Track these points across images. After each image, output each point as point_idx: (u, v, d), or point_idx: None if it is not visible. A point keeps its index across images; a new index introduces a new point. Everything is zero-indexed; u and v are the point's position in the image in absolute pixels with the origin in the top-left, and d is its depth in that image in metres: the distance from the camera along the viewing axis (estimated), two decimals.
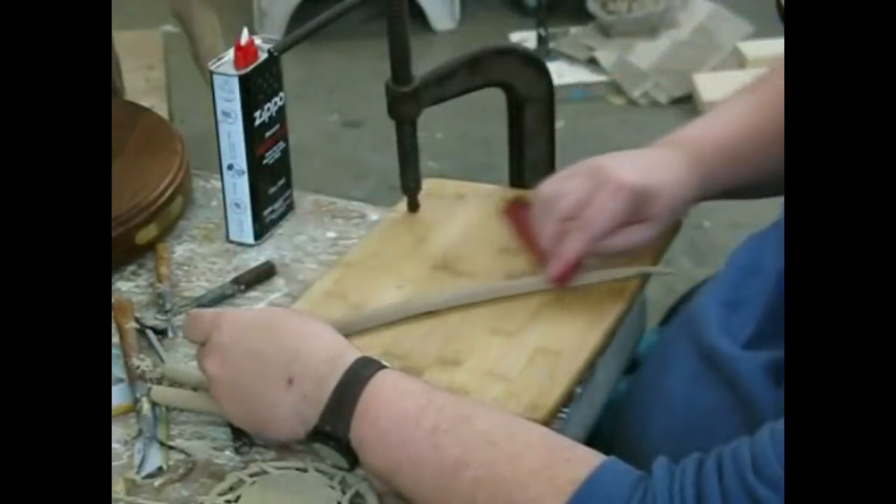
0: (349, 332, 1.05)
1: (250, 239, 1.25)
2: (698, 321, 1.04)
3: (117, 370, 1.07)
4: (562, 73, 3.33)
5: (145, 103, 1.48)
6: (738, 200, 1.20)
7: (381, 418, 0.91)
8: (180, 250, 1.25)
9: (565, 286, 1.12)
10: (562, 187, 1.11)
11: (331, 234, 1.27)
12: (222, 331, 0.97)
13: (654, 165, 1.11)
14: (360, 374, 0.92)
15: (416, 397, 0.91)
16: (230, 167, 1.23)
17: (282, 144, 1.25)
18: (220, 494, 0.95)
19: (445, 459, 0.88)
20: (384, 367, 0.94)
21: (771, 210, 1.06)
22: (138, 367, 1.07)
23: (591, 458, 0.86)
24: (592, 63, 3.45)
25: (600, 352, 1.09)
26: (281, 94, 1.23)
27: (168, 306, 1.16)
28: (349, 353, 0.94)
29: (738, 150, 1.13)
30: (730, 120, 1.15)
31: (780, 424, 0.80)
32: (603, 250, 1.11)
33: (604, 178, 1.09)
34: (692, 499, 0.81)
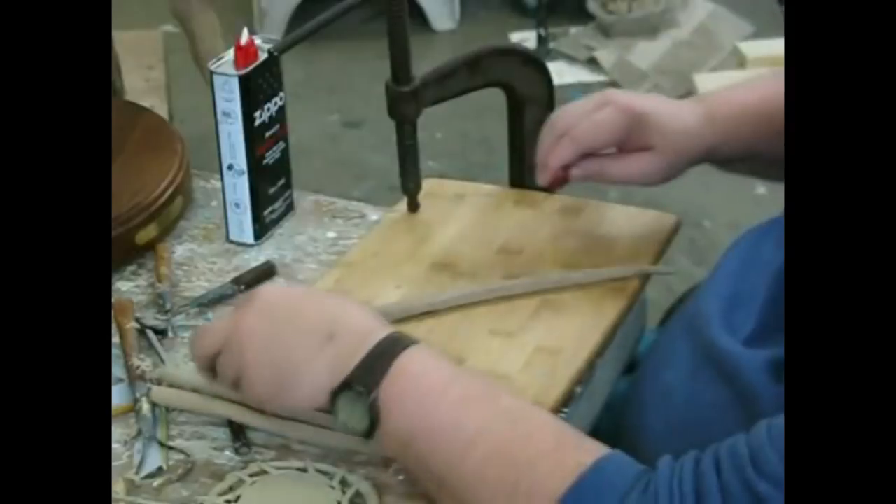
0: None
1: (250, 239, 1.25)
2: (699, 317, 1.04)
3: (117, 370, 1.07)
4: (562, 73, 3.33)
5: (145, 103, 1.48)
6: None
7: (414, 381, 0.91)
8: (180, 250, 1.25)
9: (553, 192, 1.24)
10: (566, 108, 1.19)
11: (331, 234, 1.27)
12: (262, 291, 0.97)
13: (663, 101, 1.18)
14: (401, 340, 0.93)
15: (448, 368, 0.93)
16: (230, 167, 1.23)
17: (282, 144, 1.25)
18: (220, 494, 0.95)
19: (463, 433, 0.88)
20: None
21: (772, 212, 1.06)
22: (138, 367, 1.07)
23: (598, 449, 0.87)
24: (592, 63, 3.45)
25: (600, 351, 1.09)
26: (281, 94, 1.23)
27: (168, 306, 1.16)
28: (386, 328, 0.95)
29: (760, 113, 1.16)
30: (753, 88, 1.20)
31: (777, 420, 0.80)
32: (601, 174, 1.18)
33: (606, 99, 1.17)
34: (691, 493, 0.81)
